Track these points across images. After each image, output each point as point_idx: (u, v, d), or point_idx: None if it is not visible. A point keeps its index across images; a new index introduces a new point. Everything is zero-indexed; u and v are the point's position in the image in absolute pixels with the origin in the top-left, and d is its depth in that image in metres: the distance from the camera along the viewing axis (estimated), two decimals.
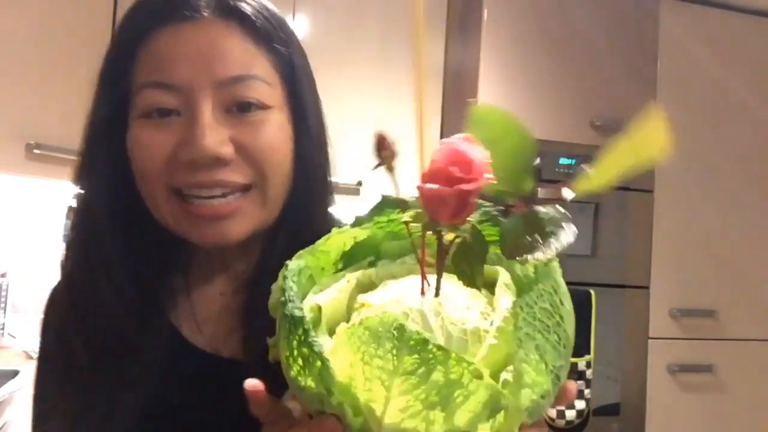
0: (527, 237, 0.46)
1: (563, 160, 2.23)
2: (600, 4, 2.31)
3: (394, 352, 0.42)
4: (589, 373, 2.11)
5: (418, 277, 0.50)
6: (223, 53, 0.64)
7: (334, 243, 0.56)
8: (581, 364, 2.09)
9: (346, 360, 0.44)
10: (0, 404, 1.58)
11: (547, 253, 0.45)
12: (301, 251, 0.55)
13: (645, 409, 2.28)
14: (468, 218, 0.47)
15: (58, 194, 2.15)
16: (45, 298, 0.77)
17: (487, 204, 0.49)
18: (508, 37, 2.22)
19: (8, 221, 2.18)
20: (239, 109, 0.65)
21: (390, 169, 0.50)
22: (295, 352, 0.46)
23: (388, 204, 0.56)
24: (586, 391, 2.10)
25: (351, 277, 0.55)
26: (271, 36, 0.68)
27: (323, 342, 0.46)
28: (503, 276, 0.51)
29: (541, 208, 0.47)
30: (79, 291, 0.69)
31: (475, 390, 0.42)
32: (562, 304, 0.49)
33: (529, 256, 0.45)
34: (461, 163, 0.45)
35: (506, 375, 0.44)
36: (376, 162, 0.51)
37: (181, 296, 0.74)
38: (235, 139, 0.64)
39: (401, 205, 0.53)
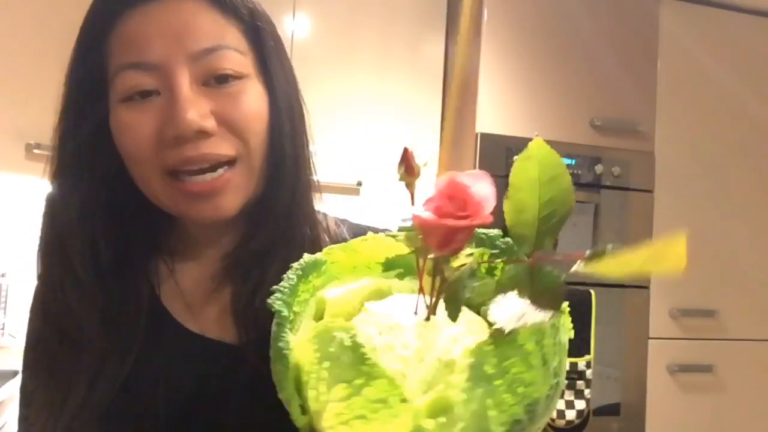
0: (522, 293, 0.44)
1: (563, 160, 2.23)
2: (600, 5, 2.31)
3: (343, 358, 0.43)
4: (589, 373, 2.11)
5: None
6: (193, 27, 0.65)
7: (368, 246, 0.57)
8: (581, 364, 2.09)
9: (306, 358, 0.46)
10: (0, 404, 1.58)
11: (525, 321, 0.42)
12: (332, 245, 0.56)
13: (645, 409, 2.28)
14: (461, 253, 0.46)
15: None
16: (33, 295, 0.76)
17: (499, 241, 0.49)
18: (508, 37, 2.22)
19: (8, 221, 2.18)
20: (216, 81, 0.66)
21: (410, 186, 0.50)
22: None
23: None
24: (586, 391, 2.10)
25: (369, 282, 0.55)
26: (237, 6, 0.68)
27: (290, 338, 0.47)
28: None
29: (549, 267, 0.45)
30: (62, 277, 0.69)
31: (400, 414, 0.42)
32: (541, 348, 0.45)
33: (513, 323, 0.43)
34: (455, 198, 0.44)
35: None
36: (398, 176, 0.51)
37: (167, 278, 0.74)
38: (217, 112, 0.65)
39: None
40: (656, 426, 2.29)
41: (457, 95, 0.52)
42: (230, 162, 0.67)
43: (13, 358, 1.94)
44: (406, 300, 0.52)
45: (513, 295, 0.45)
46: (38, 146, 1.84)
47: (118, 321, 0.69)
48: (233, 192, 0.67)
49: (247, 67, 0.68)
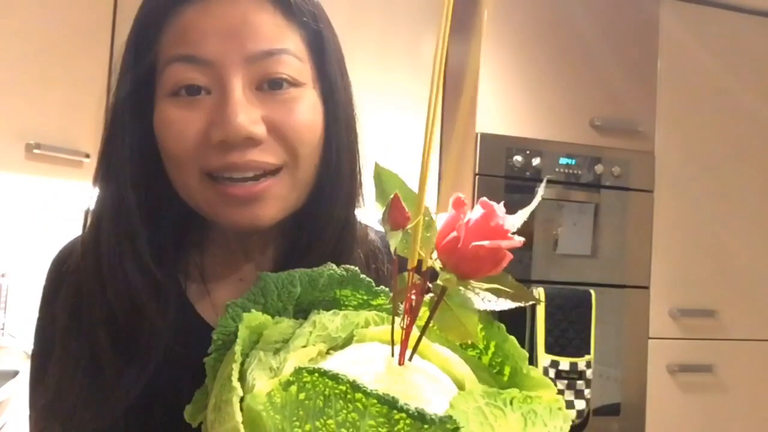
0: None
1: (563, 160, 2.23)
2: (600, 5, 2.31)
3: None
4: (589, 373, 2.11)
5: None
6: (254, 27, 0.62)
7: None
8: (581, 364, 2.09)
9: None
10: (0, 404, 1.58)
11: None
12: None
13: (645, 409, 2.28)
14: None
15: (58, 194, 2.15)
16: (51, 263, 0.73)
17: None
18: (508, 37, 2.22)
19: (8, 221, 2.18)
20: (270, 86, 0.63)
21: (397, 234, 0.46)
22: None
23: (270, 288, 0.54)
24: (586, 391, 2.10)
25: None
26: (302, 10, 0.65)
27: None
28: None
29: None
30: (105, 266, 0.66)
31: None
32: None
33: None
34: (484, 227, 0.45)
35: None
36: (386, 225, 0.46)
37: (196, 276, 0.72)
38: (268, 119, 0.62)
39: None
40: (656, 426, 2.29)
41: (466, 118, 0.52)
42: (276, 170, 0.64)
43: (13, 358, 1.94)
44: (350, 358, 0.49)
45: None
46: (38, 146, 1.84)
47: (152, 314, 0.66)
48: (273, 201, 0.64)
49: (304, 76, 0.65)
